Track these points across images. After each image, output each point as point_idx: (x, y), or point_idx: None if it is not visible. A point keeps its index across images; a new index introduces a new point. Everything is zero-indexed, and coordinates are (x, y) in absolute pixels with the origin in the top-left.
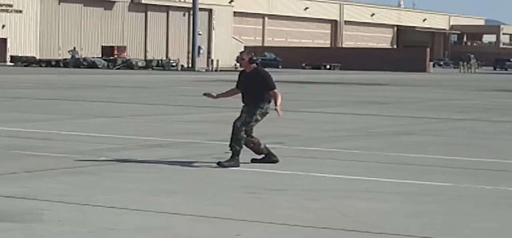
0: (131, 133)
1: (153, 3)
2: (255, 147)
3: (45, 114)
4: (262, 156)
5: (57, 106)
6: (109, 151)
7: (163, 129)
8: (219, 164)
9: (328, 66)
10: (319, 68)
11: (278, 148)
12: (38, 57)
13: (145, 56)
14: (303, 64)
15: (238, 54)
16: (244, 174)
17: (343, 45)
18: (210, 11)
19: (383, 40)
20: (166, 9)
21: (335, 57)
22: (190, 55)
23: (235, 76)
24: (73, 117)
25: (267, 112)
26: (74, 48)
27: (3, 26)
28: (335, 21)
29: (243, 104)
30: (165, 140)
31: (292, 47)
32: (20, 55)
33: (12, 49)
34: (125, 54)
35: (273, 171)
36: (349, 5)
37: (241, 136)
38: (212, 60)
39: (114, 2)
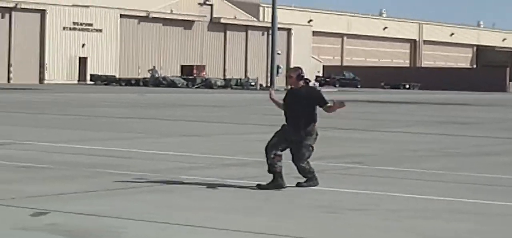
0: (211, 152)
1: (232, 22)
2: (276, 168)
3: (124, 132)
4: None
5: (137, 125)
6: (189, 169)
7: (243, 147)
8: (298, 184)
9: (407, 86)
10: (398, 88)
11: (357, 167)
12: (118, 76)
13: (224, 75)
14: (382, 84)
15: (300, 72)
16: (323, 194)
17: (422, 65)
18: (289, 30)
19: (462, 59)
20: (245, 28)
21: (414, 77)
22: (269, 74)
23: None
24: (152, 136)
25: (317, 135)
26: (154, 67)
27: (83, 45)
28: (414, 40)
29: (287, 124)
30: (245, 159)
31: (371, 66)
32: (100, 74)
33: (92, 68)
34: (204, 73)
35: (353, 191)
36: (428, 25)
37: (309, 168)
38: None
39: (194, 21)
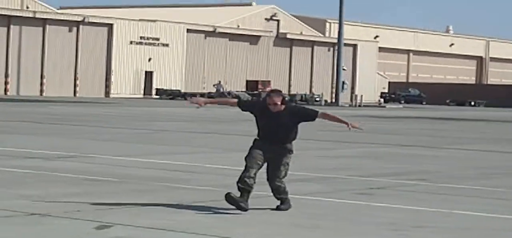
0: None
1: (298, 38)
2: (248, 191)
3: (190, 147)
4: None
5: (202, 139)
6: (256, 184)
7: (305, 163)
8: (278, 208)
9: (472, 103)
10: (464, 105)
11: (421, 184)
12: (183, 91)
13: (289, 90)
14: (447, 101)
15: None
16: (387, 211)
17: (489, 82)
18: (354, 46)
19: None
20: (311, 44)
21: (480, 94)
22: (334, 90)
23: (379, 112)
24: (218, 151)
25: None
26: (219, 82)
27: (150, 59)
28: (481, 57)
29: (265, 142)
30: (307, 175)
31: (436, 83)
32: (165, 88)
33: (158, 82)
34: (270, 88)
35: (417, 208)
36: (495, 42)
37: (284, 187)
38: (355, 96)
39: (260, 36)
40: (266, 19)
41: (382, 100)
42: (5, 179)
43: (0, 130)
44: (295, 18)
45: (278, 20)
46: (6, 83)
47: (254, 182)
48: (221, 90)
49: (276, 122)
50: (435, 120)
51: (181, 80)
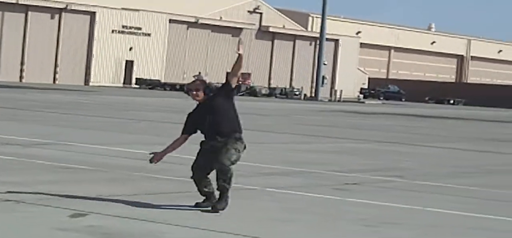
0: (251, 160)
1: (280, 31)
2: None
3: (167, 137)
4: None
5: (180, 130)
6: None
7: (283, 157)
8: (197, 205)
9: (451, 101)
10: (443, 103)
11: (397, 181)
12: (163, 81)
13: (269, 84)
14: (427, 98)
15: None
16: (361, 206)
17: (468, 81)
18: (336, 41)
19: (510, 77)
20: (293, 38)
21: (459, 93)
22: (314, 84)
23: (358, 107)
24: (195, 142)
25: (245, 148)
26: (199, 73)
27: (131, 48)
28: (462, 56)
29: (209, 140)
30: (285, 169)
31: (416, 80)
32: (145, 78)
33: (138, 72)
34: (249, 81)
35: (391, 205)
36: (476, 41)
37: (230, 176)
38: (335, 91)
39: (242, 29)
40: (249, 11)
41: (361, 96)
42: None
43: None
44: (278, 12)
45: (261, 13)
46: None
47: (211, 186)
48: None
49: (210, 111)
50: (413, 117)
51: (161, 71)
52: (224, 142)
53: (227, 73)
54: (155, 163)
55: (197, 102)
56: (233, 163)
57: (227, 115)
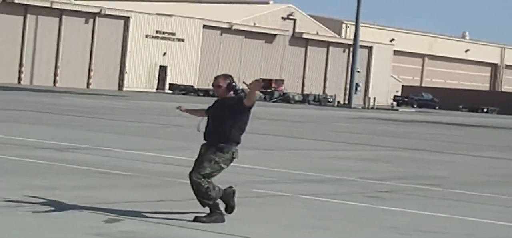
0: (283, 166)
1: (314, 38)
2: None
3: (200, 143)
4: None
5: None
6: (260, 183)
7: (316, 164)
8: (196, 219)
9: (485, 110)
10: (476, 111)
11: (431, 189)
12: (196, 86)
13: (302, 90)
14: (460, 106)
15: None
16: (395, 215)
17: (502, 89)
18: (370, 48)
19: None
20: (327, 44)
21: (493, 101)
22: (347, 91)
23: (392, 115)
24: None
25: (233, 158)
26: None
27: (164, 54)
28: (496, 64)
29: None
30: (317, 175)
31: (450, 88)
32: (178, 83)
33: (172, 77)
34: (283, 87)
35: (424, 213)
36: (511, 49)
37: (206, 189)
38: (369, 98)
39: (276, 35)
40: (282, 18)
41: (395, 103)
42: (17, 169)
43: (12, 120)
44: (311, 18)
45: (294, 20)
46: (20, 72)
47: (217, 190)
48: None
49: (218, 112)
50: (447, 125)
51: (195, 76)
52: (206, 149)
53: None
54: (181, 110)
55: (216, 98)
56: (204, 177)
57: (223, 122)
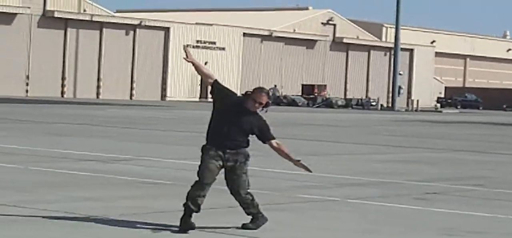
0: (329, 171)
1: (354, 42)
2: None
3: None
4: None
5: (255, 143)
6: (307, 188)
7: (361, 167)
8: (244, 226)
9: None
10: None
11: (478, 190)
12: (238, 94)
13: (345, 95)
14: (504, 106)
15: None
16: (444, 216)
17: None
18: (411, 51)
19: None
20: (368, 48)
21: None
22: (390, 94)
23: (435, 117)
24: (271, 154)
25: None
26: (275, 86)
27: (206, 62)
28: None
29: (216, 139)
30: (363, 179)
31: (493, 88)
32: None
33: None
34: (325, 92)
35: (473, 214)
36: None
37: (251, 200)
38: (412, 100)
39: (316, 41)
40: (322, 23)
41: (438, 105)
42: (62, 181)
43: (56, 132)
44: (351, 23)
45: (334, 25)
46: (62, 86)
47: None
48: (277, 94)
49: (241, 115)
50: (492, 125)
51: (237, 84)
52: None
53: (276, 143)
54: (187, 57)
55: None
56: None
57: (243, 129)
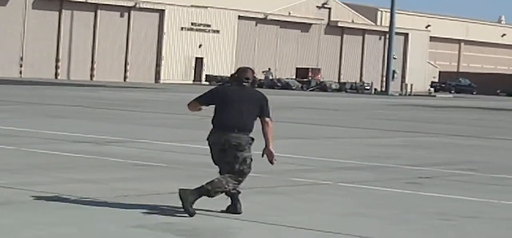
0: (323, 155)
1: (349, 26)
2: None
3: None
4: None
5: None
6: (301, 171)
7: (354, 151)
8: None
9: None
10: None
11: (471, 174)
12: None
13: (339, 78)
14: (498, 91)
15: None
16: (437, 201)
17: None
18: (406, 35)
19: None
20: (362, 32)
21: None
22: (384, 79)
23: (429, 101)
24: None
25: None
26: (269, 69)
27: (200, 45)
28: None
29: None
30: (357, 163)
31: (487, 73)
32: (215, 74)
33: (208, 69)
34: (319, 76)
35: (467, 198)
36: None
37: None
38: (406, 85)
39: (311, 24)
40: (317, 7)
41: (432, 89)
42: (55, 163)
43: (50, 114)
44: (346, 6)
45: (329, 8)
46: (56, 67)
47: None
48: (270, 77)
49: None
50: (486, 110)
51: (231, 67)
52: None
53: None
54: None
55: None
56: None
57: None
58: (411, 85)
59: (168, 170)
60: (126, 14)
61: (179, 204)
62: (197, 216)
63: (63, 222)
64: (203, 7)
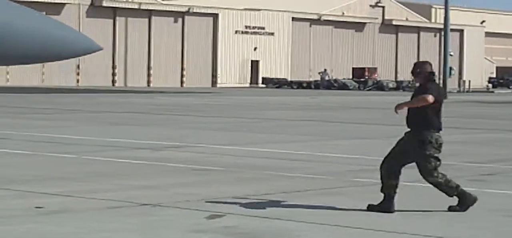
0: (382, 154)
1: (404, 24)
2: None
3: (296, 135)
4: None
5: (309, 128)
6: (361, 172)
7: None
8: (450, 208)
9: None
10: None
11: None
12: (289, 79)
13: (396, 77)
14: None
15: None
16: (500, 197)
17: None
18: (461, 31)
19: None
20: (417, 30)
21: None
22: (441, 76)
23: (488, 97)
24: (324, 138)
25: (439, 144)
26: (325, 70)
27: (255, 48)
28: None
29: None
30: None
31: None
32: (271, 77)
33: (264, 71)
34: (376, 75)
35: None
36: None
37: (444, 181)
38: (463, 81)
39: (365, 23)
40: (371, 6)
41: (490, 85)
42: (115, 170)
43: (108, 121)
44: (400, 4)
45: (383, 7)
46: (113, 75)
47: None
48: (327, 78)
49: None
50: None
51: (287, 69)
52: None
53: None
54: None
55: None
56: None
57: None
58: (469, 81)
59: (228, 173)
60: (180, 20)
61: (239, 207)
62: (258, 219)
63: (125, 229)
64: (256, 10)
